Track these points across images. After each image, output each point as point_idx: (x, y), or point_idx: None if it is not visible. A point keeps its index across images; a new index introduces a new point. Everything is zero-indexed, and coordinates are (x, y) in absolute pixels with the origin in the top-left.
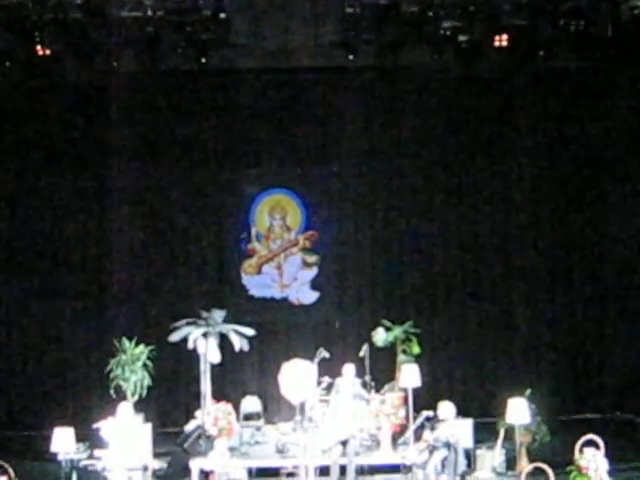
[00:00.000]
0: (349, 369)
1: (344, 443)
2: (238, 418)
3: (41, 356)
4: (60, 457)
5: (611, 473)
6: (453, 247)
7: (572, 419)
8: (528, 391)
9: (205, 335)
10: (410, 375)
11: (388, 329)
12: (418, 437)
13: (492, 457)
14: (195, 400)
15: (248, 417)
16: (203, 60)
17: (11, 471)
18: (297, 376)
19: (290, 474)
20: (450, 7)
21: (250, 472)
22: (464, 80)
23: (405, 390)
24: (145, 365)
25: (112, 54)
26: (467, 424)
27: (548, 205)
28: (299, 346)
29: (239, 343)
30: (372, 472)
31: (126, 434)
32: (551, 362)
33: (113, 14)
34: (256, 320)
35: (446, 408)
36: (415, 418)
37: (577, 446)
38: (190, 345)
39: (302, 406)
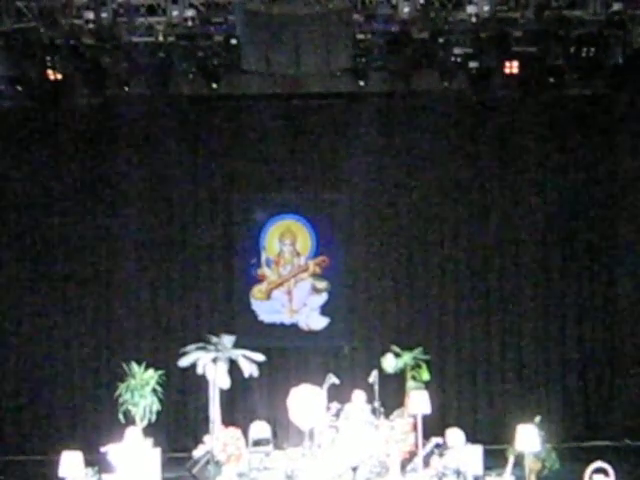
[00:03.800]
0: (358, 395)
1: (354, 469)
2: (247, 444)
3: (50, 380)
4: None
5: None
6: (463, 274)
7: (582, 446)
8: (538, 418)
9: (214, 360)
10: (419, 401)
11: (397, 355)
12: (427, 464)
13: None
14: (204, 425)
15: (257, 443)
16: (214, 86)
17: None
18: (306, 402)
19: None
20: (461, 34)
21: None
22: (474, 106)
23: (414, 416)
24: (154, 390)
25: (123, 79)
26: (476, 451)
27: (559, 231)
28: (308, 372)
29: (248, 369)
30: None
31: (135, 459)
32: (561, 389)
33: (124, 39)
34: (265, 346)
35: (455, 435)
36: (424, 445)
37: (587, 473)
38: (199, 370)
39: (311, 432)
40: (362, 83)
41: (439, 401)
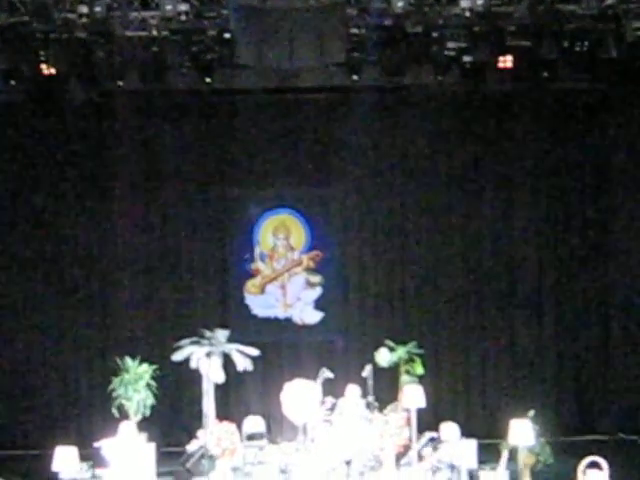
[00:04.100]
0: (352, 389)
1: (347, 463)
2: (241, 438)
3: (43, 375)
4: (62, 476)
5: None
6: (457, 268)
7: (576, 440)
8: (532, 412)
9: (208, 355)
10: (413, 396)
11: (392, 349)
12: (421, 458)
13: (495, 478)
14: (198, 420)
15: (251, 437)
16: (208, 80)
17: None
18: (300, 396)
19: None
20: (455, 28)
21: None
22: (468, 100)
23: (408, 411)
24: (148, 384)
25: (117, 73)
26: (470, 445)
27: (553, 227)
28: (302, 366)
29: (242, 363)
30: None
31: (129, 453)
32: (555, 383)
33: (118, 34)
34: (259, 340)
35: (449, 429)
36: (418, 439)
37: (580, 468)
38: (193, 365)
39: (305, 426)
40: (356, 77)
41: (433, 395)
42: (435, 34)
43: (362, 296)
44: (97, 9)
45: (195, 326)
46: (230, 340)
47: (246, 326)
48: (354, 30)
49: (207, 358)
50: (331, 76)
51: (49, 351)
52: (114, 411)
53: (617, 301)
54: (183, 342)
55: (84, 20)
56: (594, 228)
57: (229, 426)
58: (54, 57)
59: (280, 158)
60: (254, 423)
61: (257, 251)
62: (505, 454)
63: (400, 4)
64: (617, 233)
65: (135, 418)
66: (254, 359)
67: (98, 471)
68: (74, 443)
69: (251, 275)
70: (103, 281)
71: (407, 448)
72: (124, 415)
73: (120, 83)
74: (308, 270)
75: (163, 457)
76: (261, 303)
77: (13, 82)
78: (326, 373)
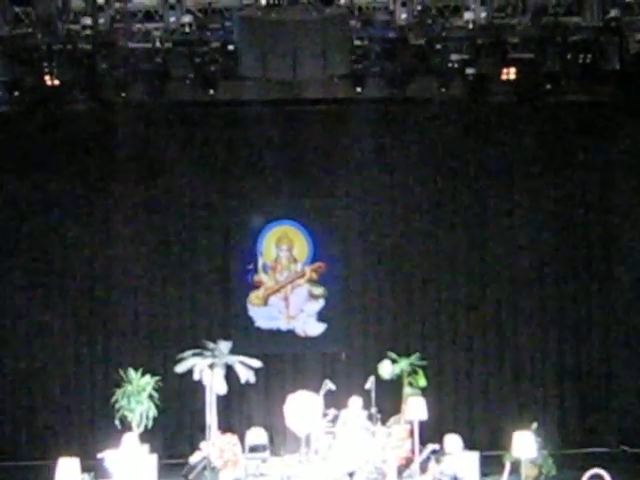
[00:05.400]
0: (355, 401)
1: (350, 475)
2: (244, 450)
3: (46, 386)
4: None
5: None
6: (460, 280)
7: (578, 453)
8: (534, 424)
9: (211, 366)
10: (416, 408)
11: (394, 361)
12: (424, 470)
13: None
14: (201, 431)
15: (254, 449)
16: (211, 92)
17: None
18: (303, 408)
19: None
20: (458, 40)
21: None
22: (471, 112)
23: (411, 423)
24: (151, 396)
25: (120, 85)
26: (473, 457)
27: (556, 239)
28: (305, 378)
29: (245, 375)
30: None
31: (131, 465)
32: (557, 396)
33: (121, 45)
34: (262, 352)
35: (452, 441)
36: (421, 451)
37: None
38: (196, 376)
39: (308, 438)
40: (359, 89)
41: (436, 407)
42: (438, 46)
43: (365, 308)
44: (101, 21)
45: (198, 338)
46: (233, 352)
47: (249, 338)
48: (357, 42)
49: (210, 370)
50: (334, 88)
51: (52, 362)
52: (117, 423)
53: (620, 314)
54: (186, 354)
55: (88, 32)
56: (598, 241)
57: (231, 438)
58: (58, 68)
59: (283, 169)
60: (256, 435)
61: (260, 262)
62: (508, 466)
63: (403, 16)
64: (620, 246)
65: (138, 430)
66: (257, 371)
67: None
68: (77, 454)
69: (254, 287)
70: (106, 293)
71: (410, 460)
72: (127, 427)
73: (123, 94)
74: (311, 282)
75: (165, 469)
76: (264, 315)
77: (17, 93)
78: (329, 385)
